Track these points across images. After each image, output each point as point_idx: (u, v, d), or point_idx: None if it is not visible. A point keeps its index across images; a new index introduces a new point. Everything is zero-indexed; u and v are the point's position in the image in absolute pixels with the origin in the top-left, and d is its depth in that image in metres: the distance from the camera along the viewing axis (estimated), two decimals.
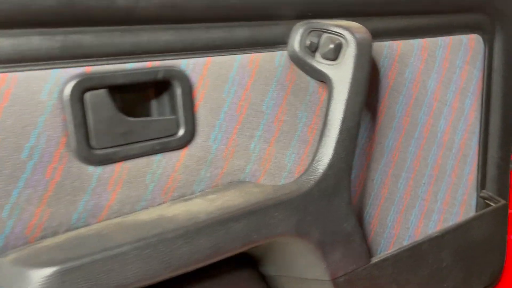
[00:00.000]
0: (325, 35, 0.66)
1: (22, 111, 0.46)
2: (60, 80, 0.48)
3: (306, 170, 0.64)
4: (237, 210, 0.56)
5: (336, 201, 0.65)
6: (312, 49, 0.66)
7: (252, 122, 0.64)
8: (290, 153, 0.69)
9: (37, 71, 0.47)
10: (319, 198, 0.63)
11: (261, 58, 0.63)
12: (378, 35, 0.76)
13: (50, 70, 0.48)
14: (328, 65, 0.65)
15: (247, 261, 0.70)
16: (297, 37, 0.65)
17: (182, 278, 0.57)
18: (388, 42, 0.77)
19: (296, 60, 0.66)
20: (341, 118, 0.64)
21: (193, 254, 0.52)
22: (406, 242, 0.90)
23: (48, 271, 0.44)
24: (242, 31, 0.61)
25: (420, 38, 0.82)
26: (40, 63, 0.47)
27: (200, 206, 0.57)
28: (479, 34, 0.93)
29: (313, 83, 0.69)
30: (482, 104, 0.97)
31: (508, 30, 0.97)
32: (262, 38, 0.63)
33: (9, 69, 0.46)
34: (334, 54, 0.65)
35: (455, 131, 0.93)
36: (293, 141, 0.69)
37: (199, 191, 0.62)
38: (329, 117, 0.64)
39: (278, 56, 0.65)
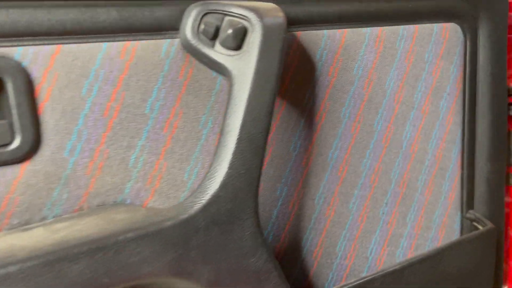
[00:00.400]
0: (227, 19, 0.52)
1: None
2: None
3: (193, 191, 0.50)
4: (76, 247, 0.42)
5: (236, 231, 0.50)
6: (209, 36, 0.52)
7: (130, 129, 0.51)
8: (191, 167, 0.55)
9: None
10: (207, 227, 0.48)
11: (139, 47, 0.50)
12: (313, 21, 0.62)
13: None
14: (229, 55, 0.51)
15: None
16: (189, 21, 0.51)
17: None
18: (328, 30, 0.63)
19: (192, 51, 0.52)
20: (240, 124, 0.49)
21: None
22: (363, 275, 0.75)
23: None
24: (107, 12, 0.48)
25: (373, 26, 0.67)
26: None
27: (34, 239, 0.43)
28: (457, 23, 0.77)
29: (220, 80, 0.55)
30: (464, 107, 0.81)
31: (496, 18, 0.80)
32: (139, 22, 0.50)
33: None
34: (235, 42, 0.51)
35: (427, 140, 0.76)
36: (195, 152, 0.55)
37: (53, 216, 0.48)
38: (226, 123, 0.50)
39: (166, 45, 0.51)
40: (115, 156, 0.50)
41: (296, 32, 0.60)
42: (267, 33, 0.50)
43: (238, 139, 0.49)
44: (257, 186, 0.51)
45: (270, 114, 0.51)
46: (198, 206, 0.47)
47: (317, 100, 0.64)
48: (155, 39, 0.51)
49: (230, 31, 0.50)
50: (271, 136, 0.61)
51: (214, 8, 0.51)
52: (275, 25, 0.51)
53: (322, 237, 0.69)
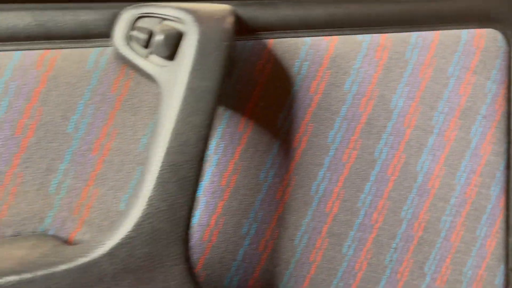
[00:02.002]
0: (163, 24, 0.44)
1: None
2: None
3: (101, 229, 0.42)
4: None
5: (157, 281, 0.41)
6: (142, 43, 0.44)
7: (50, 150, 0.44)
8: (128, 196, 0.47)
9: None
10: (116, 274, 0.39)
11: (61, 57, 0.43)
12: (290, 26, 0.51)
13: None
14: (160, 66, 0.43)
15: None
16: (121, 26, 0.44)
17: None
18: (311, 37, 0.52)
19: (125, 61, 0.45)
20: (164, 151, 0.40)
21: None
22: None
23: None
24: (20, 17, 0.42)
25: (374, 32, 0.55)
26: None
27: None
28: (497, 29, 0.61)
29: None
30: (509, 134, 0.65)
31: None
32: (59, 28, 0.43)
33: None
34: (168, 50, 0.42)
35: (453, 173, 0.62)
36: (133, 178, 0.47)
37: None
38: (149, 149, 0.41)
39: (94, 55, 0.44)
40: (31, 180, 0.44)
41: (268, 40, 0.50)
42: (205, 39, 0.41)
43: (160, 169, 0.40)
44: (187, 226, 0.42)
45: (204, 138, 0.41)
46: (103, 248, 0.39)
47: (295, 121, 0.53)
48: (81, 47, 0.44)
49: (160, 37, 0.42)
50: (234, 161, 0.51)
51: (149, 11, 0.44)
52: (216, 29, 0.42)
53: (304, 286, 0.57)
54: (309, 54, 0.52)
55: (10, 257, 0.40)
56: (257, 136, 0.52)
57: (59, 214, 0.45)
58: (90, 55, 0.44)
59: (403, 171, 0.59)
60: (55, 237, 0.45)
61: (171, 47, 0.42)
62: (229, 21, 0.43)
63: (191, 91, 0.41)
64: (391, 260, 0.61)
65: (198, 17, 0.42)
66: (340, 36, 0.53)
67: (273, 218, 0.54)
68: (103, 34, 0.45)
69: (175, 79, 0.41)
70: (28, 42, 0.42)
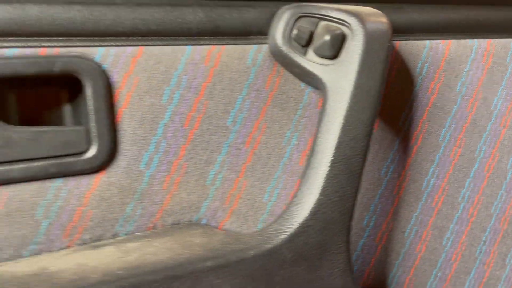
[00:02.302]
0: (322, 24, 0.46)
1: None
2: None
3: (278, 217, 0.44)
4: (154, 273, 0.37)
5: (324, 267, 0.43)
6: (302, 43, 0.46)
7: (211, 142, 0.46)
8: (271, 187, 0.50)
9: None
10: (293, 260, 0.42)
11: (225, 53, 0.45)
12: (414, 29, 0.55)
13: None
14: (324, 65, 0.45)
15: None
16: (280, 25, 0.46)
17: None
18: (430, 40, 0.55)
19: (280, 58, 0.47)
20: (334, 144, 0.43)
21: None
22: None
23: None
24: (194, 13, 0.44)
25: (482, 37, 0.59)
26: None
27: (105, 259, 0.39)
28: None
29: (309, 92, 0.49)
30: None
31: None
32: (226, 25, 0.45)
33: None
34: (331, 50, 0.45)
35: None
36: (277, 171, 0.50)
37: (125, 234, 0.44)
38: (318, 141, 0.44)
39: (253, 52, 0.46)
40: (193, 171, 0.46)
41: (395, 42, 0.53)
42: (370, 41, 0.44)
43: (332, 161, 0.43)
44: (351, 217, 0.44)
45: (369, 134, 0.44)
46: (284, 235, 0.41)
47: (415, 119, 0.56)
48: (242, 43, 0.46)
49: (327, 37, 0.44)
50: None
51: (309, 11, 0.46)
52: (378, 32, 0.45)
53: (410, 276, 0.60)
54: (429, 56, 0.55)
55: (191, 245, 0.41)
56: (382, 132, 0.55)
57: (212, 204, 0.47)
58: (250, 52, 0.46)
59: (496, 169, 0.63)
60: (211, 227, 0.47)
61: (335, 47, 0.45)
62: (388, 23, 0.46)
63: (359, 89, 0.43)
64: (480, 252, 0.65)
65: (362, 20, 0.44)
66: (454, 40, 0.57)
67: (389, 211, 0.57)
68: (262, 31, 0.47)
69: (341, 78, 0.44)
70: (199, 37, 0.44)
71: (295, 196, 0.44)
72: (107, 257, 0.39)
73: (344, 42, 0.45)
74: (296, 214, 0.42)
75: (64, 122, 0.43)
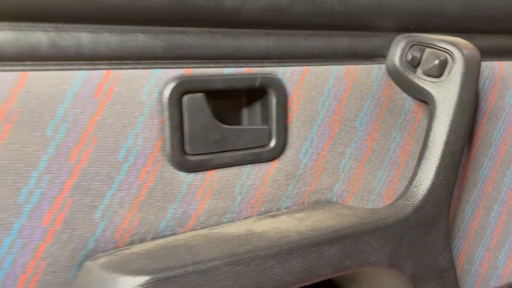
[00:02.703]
0: (428, 50, 0.61)
1: (123, 110, 0.45)
2: (160, 80, 0.46)
3: (402, 194, 0.59)
4: (330, 233, 0.51)
5: (434, 232, 0.59)
6: (414, 64, 0.61)
7: (345, 138, 0.60)
8: (380, 174, 0.64)
9: (140, 70, 0.45)
10: (416, 227, 0.57)
11: (358, 70, 0.59)
12: (480, 53, 0.71)
13: (152, 70, 0.46)
14: (431, 82, 0.60)
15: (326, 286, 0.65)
16: (397, 50, 0.61)
17: None
18: (490, 62, 0.71)
19: (395, 75, 0.62)
20: (444, 141, 0.58)
21: (284, 275, 0.48)
22: (492, 283, 0.82)
23: (140, 280, 0.41)
24: (341, 41, 0.58)
25: None
26: (142, 61, 0.46)
27: (289, 225, 0.53)
28: None
29: (409, 101, 0.64)
30: None
31: None
32: (360, 50, 0.59)
33: (113, 66, 0.44)
34: (439, 71, 0.60)
35: None
36: (385, 162, 0.64)
37: (285, 208, 0.58)
38: (430, 139, 0.59)
39: (376, 70, 0.61)
40: (331, 160, 0.60)
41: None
42: (468, 65, 0.59)
43: (442, 153, 0.58)
44: (452, 196, 0.60)
45: (467, 134, 0.60)
46: (410, 209, 0.56)
47: (477, 123, 0.72)
48: (369, 64, 0.60)
49: (436, 61, 0.60)
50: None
51: (419, 40, 0.61)
52: (473, 58, 0.60)
53: (466, 245, 0.76)
54: (489, 74, 0.71)
55: (343, 214, 0.55)
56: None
57: (341, 187, 0.61)
58: (374, 70, 0.60)
59: None
60: (343, 204, 0.61)
61: (442, 69, 0.60)
62: (478, 52, 0.61)
63: (462, 101, 0.59)
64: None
65: (461, 49, 0.59)
66: (505, 61, 0.73)
67: (456, 194, 0.73)
68: (381, 54, 0.61)
69: (447, 92, 0.59)
70: (342, 59, 0.58)
71: (413, 179, 0.59)
72: (289, 223, 0.53)
73: (447, 65, 0.60)
74: (417, 193, 0.57)
75: (241, 122, 0.56)
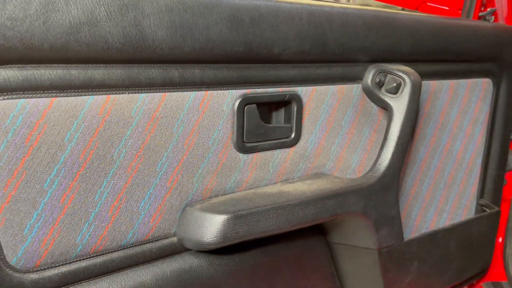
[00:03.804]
0: (389, 76, 0.93)
1: (212, 115, 0.73)
2: (233, 97, 0.75)
3: (370, 169, 0.92)
4: (329, 192, 0.83)
5: (389, 193, 0.92)
6: (380, 85, 0.93)
7: (335, 133, 0.91)
8: (355, 157, 0.97)
9: (223, 91, 0.74)
10: (379, 189, 0.90)
11: (345, 88, 0.90)
12: (421, 76, 1.04)
13: (229, 90, 0.74)
14: (390, 97, 0.93)
15: (317, 230, 0.97)
16: (370, 75, 0.93)
17: (269, 238, 0.83)
18: (427, 81, 1.05)
19: (367, 92, 0.94)
20: (397, 135, 0.91)
21: (303, 217, 0.79)
22: (423, 231, 1.18)
23: (227, 216, 0.71)
24: (336, 70, 0.88)
25: (449, 79, 1.10)
26: (224, 85, 0.74)
27: (303, 187, 0.84)
28: (490, 79, 1.21)
29: (375, 109, 0.97)
30: (487, 132, 1.26)
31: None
32: (347, 75, 0.91)
33: (209, 89, 0.72)
34: (396, 90, 0.92)
35: (466, 151, 1.21)
36: (358, 148, 0.97)
37: (297, 177, 0.88)
38: (389, 134, 0.92)
39: (355, 88, 0.92)
40: (326, 147, 0.91)
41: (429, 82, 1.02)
42: (413, 86, 0.92)
43: (395, 144, 0.91)
44: (401, 170, 0.93)
45: (412, 131, 0.93)
46: (376, 178, 0.89)
47: (418, 123, 1.06)
48: (351, 84, 0.91)
49: (394, 84, 0.92)
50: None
51: (384, 69, 0.93)
52: (417, 81, 0.93)
53: (407, 205, 1.11)
54: (426, 90, 1.05)
55: (336, 182, 0.87)
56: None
57: (331, 165, 0.93)
58: (354, 88, 0.92)
59: (449, 150, 1.16)
60: (331, 175, 0.92)
61: (397, 89, 0.92)
62: (419, 78, 0.94)
63: (409, 110, 0.92)
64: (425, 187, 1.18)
65: (409, 75, 0.92)
66: (436, 81, 1.07)
67: (402, 170, 1.07)
68: (359, 78, 0.92)
69: (400, 104, 0.92)
70: (335, 81, 0.88)
71: (378, 159, 0.91)
72: (302, 186, 0.84)
73: (401, 86, 0.92)
74: (380, 168, 0.90)
75: (271, 121, 0.85)
